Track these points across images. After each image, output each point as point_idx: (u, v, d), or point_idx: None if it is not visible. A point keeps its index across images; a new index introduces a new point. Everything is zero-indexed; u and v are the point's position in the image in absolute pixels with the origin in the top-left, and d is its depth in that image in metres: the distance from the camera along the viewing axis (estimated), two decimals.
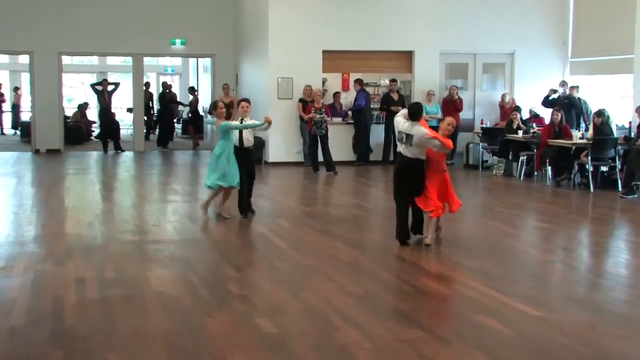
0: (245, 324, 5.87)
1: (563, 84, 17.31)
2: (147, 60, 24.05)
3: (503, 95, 18.32)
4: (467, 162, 17.32)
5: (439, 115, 17.27)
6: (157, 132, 23.57)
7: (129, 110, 23.84)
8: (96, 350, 4.69)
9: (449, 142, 8.52)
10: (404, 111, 8.81)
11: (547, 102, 16.98)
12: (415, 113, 8.59)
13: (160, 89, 24.64)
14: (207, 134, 23.24)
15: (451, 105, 17.61)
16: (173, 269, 7.70)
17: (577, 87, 16.94)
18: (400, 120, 8.77)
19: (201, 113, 24.21)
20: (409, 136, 8.52)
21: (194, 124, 23.27)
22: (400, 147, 8.73)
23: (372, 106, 18.14)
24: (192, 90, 23.92)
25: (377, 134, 17.85)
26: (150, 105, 24.39)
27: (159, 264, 7.91)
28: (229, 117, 17.99)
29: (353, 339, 5.52)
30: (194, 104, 23.40)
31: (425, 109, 17.72)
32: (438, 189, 8.82)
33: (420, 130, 8.49)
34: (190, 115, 23.86)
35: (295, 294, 6.75)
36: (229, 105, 18.25)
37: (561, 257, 8.59)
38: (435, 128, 17.99)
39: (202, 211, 10.71)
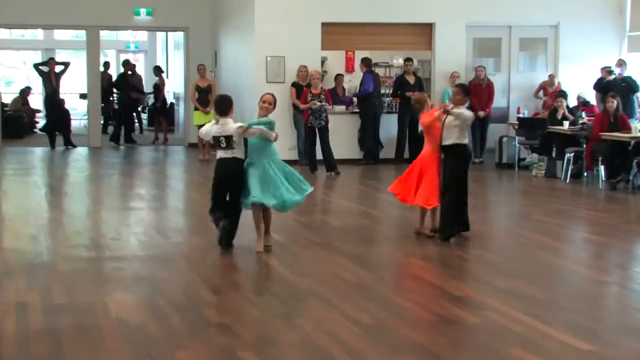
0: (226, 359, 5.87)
1: (620, 63, 17.34)
2: (104, 34, 24.07)
3: (551, 77, 18.25)
4: (500, 161, 17.33)
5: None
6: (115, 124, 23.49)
7: (82, 96, 23.83)
8: None
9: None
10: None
11: (600, 86, 17.00)
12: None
13: (121, 70, 24.56)
14: (180, 126, 23.24)
15: (479, 90, 17.62)
16: (137, 293, 7.69)
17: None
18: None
19: (171, 100, 24.24)
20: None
21: (163, 113, 23.25)
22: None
23: (382, 91, 18.17)
24: (158, 71, 23.89)
25: (388, 125, 17.86)
26: (110, 90, 24.35)
27: (119, 286, 7.89)
28: (206, 104, 18.27)
29: None
30: (160, 88, 23.36)
31: (448, 95, 17.88)
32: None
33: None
34: (156, 102, 23.75)
35: (289, 322, 6.74)
36: (206, 90, 18.34)
37: (617, 278, 8.58)
38: None
39: None
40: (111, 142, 21.96)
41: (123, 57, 30.88)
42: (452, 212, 9.78)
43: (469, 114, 10.00)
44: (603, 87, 16.83)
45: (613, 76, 16.97)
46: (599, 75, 17.37)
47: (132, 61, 24.90)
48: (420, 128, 11.94)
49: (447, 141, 9.80)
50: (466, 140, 9.87)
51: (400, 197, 10.26)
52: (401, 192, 10.20)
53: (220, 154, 9.28)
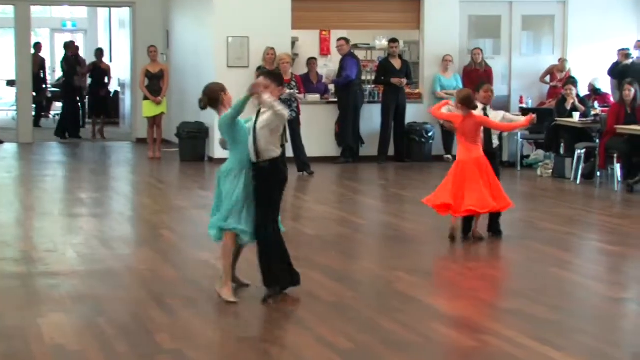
0: None
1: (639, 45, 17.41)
2: (35, 10, 23.94)
3: (561, 61, 18.30)
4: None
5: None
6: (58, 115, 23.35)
7: (10, 83, 23.69)
8: None
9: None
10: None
11: (615, 72, 17.08)
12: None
13: (63, 53, 24.39)
14: (126, 118, 23.14)
15: (476, 76, 17.65)
16: (76, 314, 7.64)
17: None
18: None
19: (115, 87, 24.11)
20: None
21: (102, 104, 23.08)
22: None
23: (363, 78, 18.18)
24: (100, 54, 23.70)
25: (370, 117, 17.87)
26: (42, 76, 24.22)
27: (55, 306, 7.84)
28: (158, 93, 18.22)
29: None
30: (103, 75, 23.22)
31: (439, 82, 17.95)
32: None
33: None
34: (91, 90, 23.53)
35: (255, 347, 6.73)
36: (157, 76, 18.28)
37: (636, 294, 8.64)
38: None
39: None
40: (56, 137, 21.99)
41: (58, 37, 30.77)
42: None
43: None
44: (619, 72, 16.91)
45: (631, 60, 17.04)
46: (614, 58, 17.44)
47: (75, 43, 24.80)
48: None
49: None
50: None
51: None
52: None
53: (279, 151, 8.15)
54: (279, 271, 7.98)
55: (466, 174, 10.32)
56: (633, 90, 14.62)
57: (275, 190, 8.00)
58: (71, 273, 9.03)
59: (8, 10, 24.48)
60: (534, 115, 11.14)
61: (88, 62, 23.56)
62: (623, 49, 17.32)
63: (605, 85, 17.82)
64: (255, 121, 7.85)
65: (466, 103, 10.35)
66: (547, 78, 18.54)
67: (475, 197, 10.21)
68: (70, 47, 23.47)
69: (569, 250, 10.59)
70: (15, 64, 21.33)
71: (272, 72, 8.17)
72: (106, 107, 23.25)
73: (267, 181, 7.89)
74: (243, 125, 7.98)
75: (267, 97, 7.73)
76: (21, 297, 8.17)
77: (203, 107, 8.14)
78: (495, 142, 11.14)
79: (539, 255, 10.09)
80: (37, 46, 23.89)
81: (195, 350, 6.69)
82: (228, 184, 7.94)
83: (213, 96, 8.06)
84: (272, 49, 16.92)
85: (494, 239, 10.62)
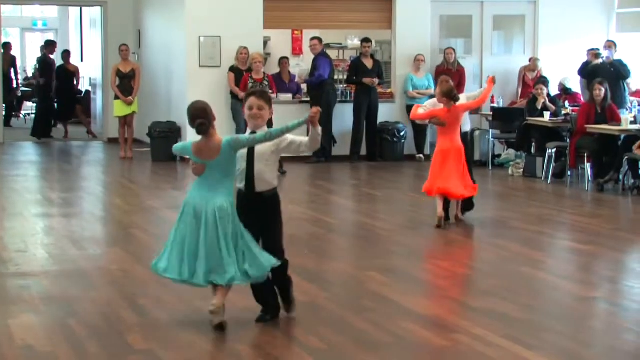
0: None
1: (609, 45, 17.47)
2: (5, 9, 23.80)
3: (532, 60, 18.33)
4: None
5: (432, 90, 17.51)
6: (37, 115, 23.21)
7: None
8: None
9: None
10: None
11: (585, 72, 17.14)
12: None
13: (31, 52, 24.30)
14: (97, 118, 23.03)
15: (448, 76, 17.69)
16: (47, 315, 7.60)
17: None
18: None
19: (86, 87, 23.99)
20: None
21: (70, 106, 22.97)
22: None
23: (335, 77, 18.19)
24: (67, 55, 23.57)
25: (342, 117, 17.88)
26: (11, 76, 24.06)
27: (25, 307, 7.80)
28: (129, 93, 18.16)
29: None
30: (71, 77, 23.11)
31: (411, 81, 17.99)
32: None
33: None
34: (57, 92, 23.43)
35: (225, 348, 6.73)
36: (129, 76, 18.21)
37: (606, 293, 8.67)
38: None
39: None
40: (32, 137, 21.94)
41: (29, 36, 30.59)
42: None
43: None
44: (589, 72, 16.95)
45: (600, 60, 17.10)
46: (584, 58, 17.50)
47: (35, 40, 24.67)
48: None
49: None
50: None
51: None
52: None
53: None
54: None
55: (447, 162, 11.18)
56: (603, 90, 14.68)
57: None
58: (42, 274, 8.99)
59: None
60: (493, 76, 12.28)
61: (57, 62, 23.41)
62: (593, 49, 17.35)
63: (575, 85, 17.88)
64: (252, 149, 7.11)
65: (450, 96, 11.02)
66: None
67: (453, 183, 11.16)
68: (49, 46, 23.39)
69: (540, 249, 10.63)
70: None
71: (264, 93, 7.48)
72: (73, 109, 23.09)
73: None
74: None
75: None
76: None
77: (205, 132, 7.03)
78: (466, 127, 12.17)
79: (510, 254, 10.12)
80: (7, 45, 23.75)
81: (167, 350, 6.67)
82: (237, 222, 7.16)
83: (210, 116, 7.08)
84: (245, 48, 16.91)
85: (467, 230, 10.75)
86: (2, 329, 7.11)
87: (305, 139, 7.19)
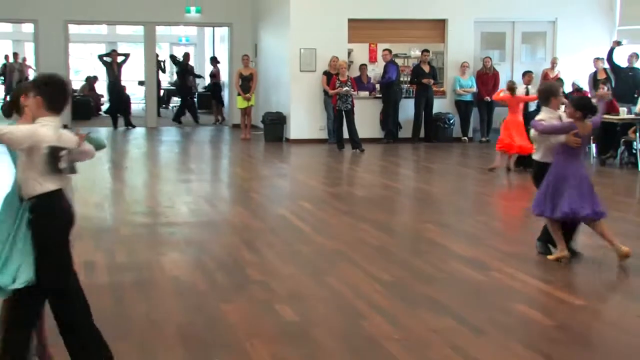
0: (264, 311, 5.87)
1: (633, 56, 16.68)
2: (159, 29, 24.06)
3: (553, 60, 17.89)
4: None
5: (474, 89, 17.40)
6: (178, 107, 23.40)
7: (141, 83, 23.86)
8: (106, 339, 4.70)
9: None
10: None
11: (611, 58, 16.37)
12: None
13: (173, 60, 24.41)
14: (225, 109, 23.22)
15: (486, 78, 17.51)
16: (188, 253, 7.72)
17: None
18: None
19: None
20: None
21: (217, 97, 23.21)
22: None
23: (401, 79, 18.06)
24: (214, 61, 23.83)
25: (406, 109, 17.77)
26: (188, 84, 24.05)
27: (172, 247, 7.93)
28: (247, 90, 18.29)
29: (381, 328, 5.51)
30: (217, 76, 23.35)
31: (458, 82, 17.77)
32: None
33: None
34: (211, 87, 23.75)
35: (319, 280, 6.75)
36: (248, 78, 18.27)
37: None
38: (469, 103, 18.01)
39: None
40: (174, 122, 22.09)
41: (176, 49, 30.86)
42: None
43: None
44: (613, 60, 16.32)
45: (623, 44, 16.48)
46: (591, 65, 17.06)
47: (180, 53, 24.74)
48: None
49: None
50: None
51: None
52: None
53: (60, 183, 4.72)
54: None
55: (511, 128, 12.79)
56: (605, 88, 14.43)
57: None
58: (184, 223, 9.12)
59: (139, 29, 24.56)
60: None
61: (197, 67, 23.50)
62: (598, 58, 16.98)
63: (584, 84, 17.50)
64: None
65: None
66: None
67: (518, 142, 12.52)
68: (186, 57, 23.64)
69: None
70: (144, 69, 21.44)
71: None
72: (220, 98, 23.24)
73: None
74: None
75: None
76: (148, 240, 8.28)
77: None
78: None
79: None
80: (187, 56, 23.76)
81: (275, 280, 6.72)
82: None
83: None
84: (336, 57, 16.89)
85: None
86: (156, 264, 7.24)
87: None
